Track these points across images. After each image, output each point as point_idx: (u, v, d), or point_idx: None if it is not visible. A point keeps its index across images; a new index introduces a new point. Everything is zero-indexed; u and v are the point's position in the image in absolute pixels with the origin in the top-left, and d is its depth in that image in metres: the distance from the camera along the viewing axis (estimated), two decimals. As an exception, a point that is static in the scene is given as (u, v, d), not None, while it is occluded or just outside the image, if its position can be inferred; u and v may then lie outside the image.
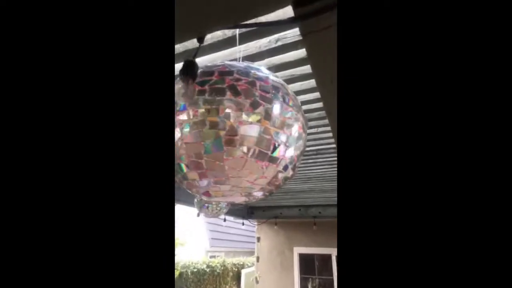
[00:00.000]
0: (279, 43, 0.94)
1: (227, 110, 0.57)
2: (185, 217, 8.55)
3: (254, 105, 0.58)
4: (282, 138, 0.60)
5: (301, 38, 0.89)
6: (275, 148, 0.59)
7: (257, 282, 4.83)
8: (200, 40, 0.66)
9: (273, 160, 0.60)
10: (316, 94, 1.21)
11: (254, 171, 0.60)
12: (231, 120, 0.57)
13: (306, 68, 1.05)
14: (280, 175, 0.64)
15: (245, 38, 0.92)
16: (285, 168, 0.64)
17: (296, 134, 0.64)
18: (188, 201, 3.30)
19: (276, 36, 0.94)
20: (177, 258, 6.71)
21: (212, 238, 9.35)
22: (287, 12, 0.79)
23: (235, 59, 1.00)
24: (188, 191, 0.70)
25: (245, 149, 0.57)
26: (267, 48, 0.96)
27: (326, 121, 1.52)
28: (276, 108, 0.60)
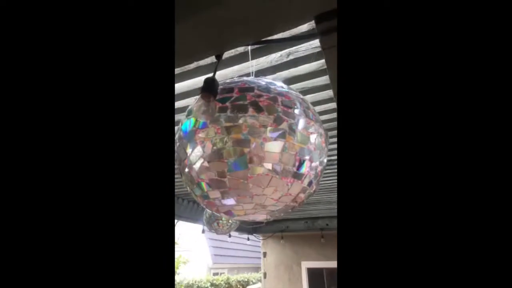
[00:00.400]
0: (291, 57, 0.95)
1: (251, 127, 0.56)
2: (187, 234, 8.38)
3: (278, 121, 0.56)
4: (307, 153, 0.59)
5: (313, 51, 0.90)
6: (300, 164, 0.58)
7: (264, 299, 4.66)
8: (218, 57, 0.65)
9: (298, 176, 0.58)
10: (327, 106, 1.20)
11: (279, 189, 0.58)
12: (255, 137, 0.55)
13: (317, 81, 1.05)
14: (305, 191, 0.62)
15: (256, 53, 0.92)
16: (310, 183, 0.62)
17: (320, 149, 0.62)
18: (191, 218, 3.23)
19: (287, 50, 0.94)
20: (181, 277, 6.51)
21: (214, 255, 9.12)
22: (299, 27, 0.80)
23: (247, 74, 1.00)
24: (209, 210, 0.68)
25: (270, 166, 0.56)
26: (278, 62, 0.97)
27: (333, 132, 1.51)
28: (299, 123, 0.59)
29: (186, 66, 0.97)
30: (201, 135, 0.59)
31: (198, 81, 1.06)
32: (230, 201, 0.60)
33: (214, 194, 0.61)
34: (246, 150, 0.55)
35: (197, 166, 0.59)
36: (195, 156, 0.59)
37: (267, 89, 0.61)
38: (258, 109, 0.57)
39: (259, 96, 0.59)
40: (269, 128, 0.56)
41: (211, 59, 0.95)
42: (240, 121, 0.56)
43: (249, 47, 0.88)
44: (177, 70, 0.97)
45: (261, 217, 0.69)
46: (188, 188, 0.66)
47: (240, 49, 0.91)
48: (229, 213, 0.65)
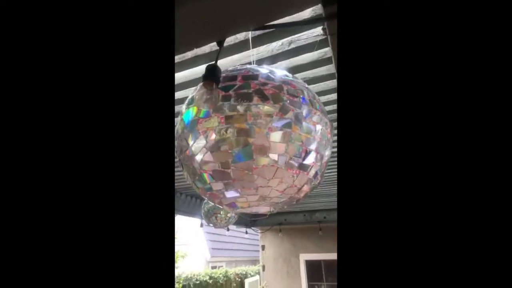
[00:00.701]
0: (292, 46, 0.92)
1: (255, 116, 0.53)
2: (185, 228, 8.40)
3: (284, 110, 0.54)
4: (313, 144, 0.57)
5: (315, 40, 0.87)
6: (306, 155, 0.56)
7: (263, 291, 4.72)
8: (220, 43, 0.63)
9: (303, 167, 0.57)
10: (330, 96, 1.18)
11: (285, 180, 0.56)
12: (260, 126, 0.53)
13: (320, 71, 1.03)
14: (310, 183, 0.61)
15: (257, 42, 0.89)
16: (315, 175, 0.60)
17: (325, 139, 0.60)
18: (189, 212, 3.22)
19: (289, 38, 0.91)
20: (179, 271, 6.56)
21: (212, 248, 9.18)
22: (301, 13, 0.77)
23: (247, 63, 0.97)
24: (211, 202, 0.66)
25: (275, 157, 0.54)
26: (279, 51, 0.94)
27: (336, 124, 1.49)
28: (305, 113, 0.57)
29: (183, 55, 0.94)
30: (204, 124, 0.56)
31: (196, 71, 1.03)
32: (233, 193, 0.58)
33: (218, 186, 0.59)
34: (250, 140, 0.53)
35: (199, 157, 0.57)
36: (197, 146, 0.57)
37: (271, 77, 0.59)
38: (263, 97, 0.55)
39: (264, 84, 0.57)
40: (274, 117, 0.54)
41: (210, 47, 0.92)
42: (245, 110, 0.54)
43: (250, 35, 0.85)
44: (175, 59, 0.94)
45: (264, 209, 0.67)
46: (189, 180, 0.64)
47: (240, 37, 0.88)
48: (232, 205, 0.63)
